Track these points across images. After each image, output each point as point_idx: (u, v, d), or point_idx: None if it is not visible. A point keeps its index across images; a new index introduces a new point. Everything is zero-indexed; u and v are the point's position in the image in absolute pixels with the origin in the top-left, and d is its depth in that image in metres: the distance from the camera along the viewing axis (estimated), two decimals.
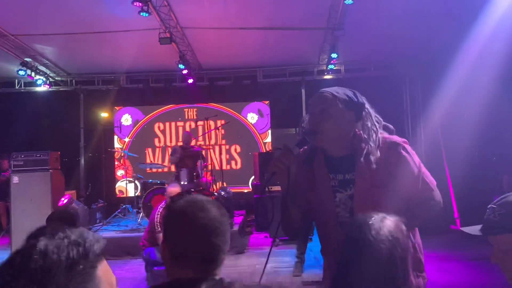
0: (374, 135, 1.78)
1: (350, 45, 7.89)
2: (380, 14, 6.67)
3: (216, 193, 6.92)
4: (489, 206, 1.31)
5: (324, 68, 9.27)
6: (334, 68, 9.15)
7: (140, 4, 5.72)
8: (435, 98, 7.34)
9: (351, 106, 1.78)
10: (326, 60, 8.76)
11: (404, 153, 1.78)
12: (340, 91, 1.81)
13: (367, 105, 1.83)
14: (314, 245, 5.64)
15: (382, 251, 1.11)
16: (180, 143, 8.97)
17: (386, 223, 1.18)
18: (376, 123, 1.83)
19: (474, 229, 1.36)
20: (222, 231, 1.16)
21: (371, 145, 1.75)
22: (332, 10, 6.60)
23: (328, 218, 1.82)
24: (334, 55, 7.99)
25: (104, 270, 0.83)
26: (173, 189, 4.53)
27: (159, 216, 4.38)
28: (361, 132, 1.79)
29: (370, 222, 1.17)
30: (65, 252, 0.77)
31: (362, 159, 1.74)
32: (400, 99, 9.61)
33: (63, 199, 6.51)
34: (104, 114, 9.76)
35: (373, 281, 1.10)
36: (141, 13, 5.88)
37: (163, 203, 4.71)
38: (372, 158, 1.74)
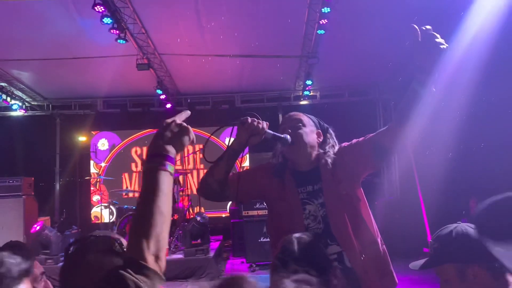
0: (332, 151, 1.99)
1: (325, 71, 8.12)
2: (352, 42, 6.92)
3: (191, 219, 6.90)
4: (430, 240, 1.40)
5: (300, 94, 9.47)
6: (310, 94, 9.37)
7: (118, 31, 5.80)
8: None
9: (318, 126, 2.06)
10: (302, 86, 8.97)
11: (342, 146, 2.03)
12: (307, 114, 2.09)
13: (330, 129, 2.09)
14: None
15: None
16: None
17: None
18: (336, 143, 2.05)
19: (416, 264, 1.45)
20: None
21: (331, 158, 1.95)
22: (306, 39, 6.83)
23: (297, 230, 1.89)
24: (309, 82, 8.22)
25: None
26: None
27: None
28: (324, 150, 1.99)
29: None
30: None
31: (327, 167, 1.92)
32: (374, 123, 9.85)
33: (35, 225, 6.37)
34: (82, 138, 9.68)
35: None
36: (119, 40, 5.96)
37: None
38: (332, 165, 1.93)
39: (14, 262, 0.88)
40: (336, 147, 2.03)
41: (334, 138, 2.06)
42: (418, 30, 1.65)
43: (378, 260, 1.89)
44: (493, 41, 5.24)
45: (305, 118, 2.03)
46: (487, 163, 5.73)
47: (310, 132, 1.99)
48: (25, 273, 0.88)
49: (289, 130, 1.97)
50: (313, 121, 2.05)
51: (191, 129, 1.20)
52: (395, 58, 7.48)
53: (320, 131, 2.04)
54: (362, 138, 1.99)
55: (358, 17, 6.15)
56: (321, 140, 2.02)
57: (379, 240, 1.94)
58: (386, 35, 6.54)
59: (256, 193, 2.10)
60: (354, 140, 2.02)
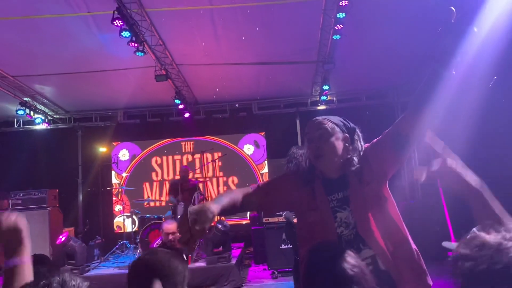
0: (358, 156, 1.93)
1: (342, 76, 8.11)
2: (368, 46, 6.90)
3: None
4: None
5: (317, 99, 9.46)
6: (327, 99, 9.36)
7: (136, 44, 5.91)
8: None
9: (345, 130, 1.94)
10: (319, 91, 8.96)
11: (365, 147, 1.96)
12: (332, 117, 1.98)
13: (357, 130, 2.00)
14: None
15: None
16: (178, 177, 9.04)
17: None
18: (362, 146, 1.98)
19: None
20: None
21: (357, 163, 1.90)
22: (321, 44, 6.84)
23: (330, 238, 1.87)
24: (325, 87, 8.21)
25: None
26: (169, 226, 4.57)
27: None
28: (352, 154, 1.92)
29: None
30: None
31: (354, 172, 1.88)
32: None
33: (61, 236, 6.51)
34: (103, 149, 9.87)
35: None
36: (137, 53, 6.07)
37: (158, 240, 4.73)
38: (358, 170, 1.88)
39: (76, 284, 0.97)
40: (362, 149, 1.97)
41: (361, 138, 1.98)
42: (454, 11, 1.61)
43: (411, 260, 1.84)
44: (506, 40, 5.16)
45: (329, 126, 1.92)
46: (505, 163, 5.62)
47: (336, 140, 1.91)
48: None
49: (317, 143, 1.90)
50: (339, 126, 1.94)
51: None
52: (413, 60, 7.43)
53: (347, 134, 1.94)
54: (382, 135, 1.93)
55: (373, 21, 6.14)
56: (348, 144, 1.94)
57: (410, 239, 1.88)
58: (402, 37, 6.51)
59: (285, 205, 2.07)
60: (375, 140, 1.95)
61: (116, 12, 5.28)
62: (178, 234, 1.69)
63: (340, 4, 5.42)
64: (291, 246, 5.01)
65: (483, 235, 0.99)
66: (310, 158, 1.96)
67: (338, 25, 5.86)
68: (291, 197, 2.00)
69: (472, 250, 0.96)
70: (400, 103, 9.59)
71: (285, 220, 4.73)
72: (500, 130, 5.59)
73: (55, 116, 9.83)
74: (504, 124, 5.52)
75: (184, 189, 7.58)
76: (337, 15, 5.64)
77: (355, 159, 1.90)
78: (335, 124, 1.94)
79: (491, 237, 0.96)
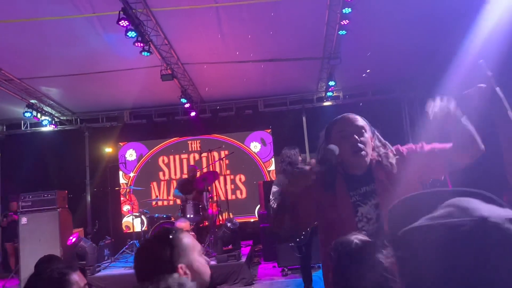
0: (382, 150, 1.98)
1: (347, 72, 8.08)
2: (374, 41, 6.87)
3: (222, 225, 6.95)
4: None
5: (323, 95, 9.44)
6: (333, 95, 9.34)
7: (142, 44, 5.92)
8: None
9: (371, 127, 2.01)
10: (325, 87, 8.93)
11: (400, 149, 2.01)
12: (357, 115, 2.02)
13: (376, 131, 2.05)
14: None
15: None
16: (185, 176, 9.06)
17: None
18: (385, 142, 2.04)
19: None
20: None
21: (382, 157, 1.95)
22: (327, 40, 6.81)
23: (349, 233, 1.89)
24: (331, 83, 8.18)
25: None
26: (182, 224, 4.58)
27: None
28: (383, 149, 1.99)
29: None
30: None
31: (380, 166, 1.93)
32: (400, 121, 9.72)
33: (71, 237, 6.55)
34: (109, 150, 9.90)
35: None
36: (143, 53, 6.07)
37: None
38: (385, 165, 1.93)
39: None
40: (388, 146, 2.00)
41: (379, 135, 2.03)
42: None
43: None
44: (507, 41, 5.13)
45: (363, 122, 1.96)
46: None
47: (369, 136, 1.95)
48: None
49: (357, 137, 1.91)
50: (368, 123, 2.00)
51: None
52: (418, 54, 7.39)
53: (374, 131, 2.00)
54: (425, 146, 1.97)
55: (379, 16, 6.10)
56: (377, 141, 2.00)
57: None
58: (407, 32, 6.47)
59: (316, 211, 2.06)
60: (412, 146, 2.00)
61: (121, 12, 5.28)
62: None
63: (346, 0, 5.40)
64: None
65: None
66: (346, 154, 1.92)
67: (344, 21, 5.84)
68: (319, 202, 2.00)
69: None
70: (406, 98, 9.56)
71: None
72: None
73: (62, 118, 9.86)
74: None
75: (193, 187, 7.60)
76: (343, 10, 5.62)
77: (381, 152, 1.95)
78: (365, 122, 1.99)
79: None
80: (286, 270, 6.54)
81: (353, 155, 1.91)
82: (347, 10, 5.59)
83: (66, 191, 7.45)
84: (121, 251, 7.63)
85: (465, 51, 6.16)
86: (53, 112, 9.45)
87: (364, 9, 5.74)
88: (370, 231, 1.86)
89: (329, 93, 9.08)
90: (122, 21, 5.37)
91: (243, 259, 6.32)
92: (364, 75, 8.11)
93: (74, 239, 6.39)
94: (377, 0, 5.68)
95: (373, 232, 1.86)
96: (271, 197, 5.02)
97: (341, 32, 6.12)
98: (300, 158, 4.90)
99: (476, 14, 5.49)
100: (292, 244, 5.31)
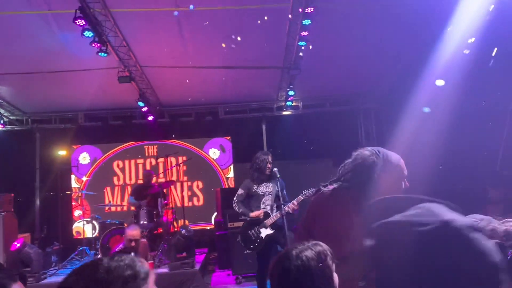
0: None
1: (307, 82, 8.21)
2: (333, 53, 7.04)
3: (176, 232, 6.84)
4: None
5: (283, 104, 9.54)
6: (293, 104, 9.46)
7: (99, 44, 5.76)
8: (389, 130, 7.62)
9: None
10: (285, 97, 9.04)
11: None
12: None
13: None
14: None
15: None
16: (141, 181, 8.86)
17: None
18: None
19: None
20: None
21: None
22: (287, 50, 6.90)
23: None
24: (291, 93, 8.30)
25: None
26: (133, 232, 4.46)
27: None
28: None
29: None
30: (122, 271, 1.02)
31: None
32: (355, 133, 9.97)
33: (16, 243, 6.22)
34: (62, 152, 9.53)
35: None
36: (100, 54, 5.91)
37: (120, 245, 4.61)
38: None
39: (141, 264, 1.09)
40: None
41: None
42: None
43: None
44: (477, 47, 5.35)
45: None
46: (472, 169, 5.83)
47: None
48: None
49: None
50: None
51: None
52: (375, 67, 7.63)
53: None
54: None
55: (338, 29, 6.27)
56: None
57: None
58: (365, 46, 6.68)
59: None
60: None
61: (78, 11, 5.13)
62: None
63: (306, 11, 5.50)
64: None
65: None
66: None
67: (303, 32, 5.94)
68: None
69: None
70: (363, 110, 9.83)
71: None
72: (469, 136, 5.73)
73: (11, 117, 9.41)
74: (473, 129, 5.68)
75: (148, 193, 7.45)
76: (303, 21, 5.72)
77: None
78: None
79: None
80: (240, 278, 6.52)
81: None
82: (306, 22, 5.69)
83: (13, 194, 7.11)
84: (69, 258, 7.34)
85: (426, 66, 6.37)
86: (2, 111, 9.01)
87: (323, 22, 5.87)
88: None
89: (289, 103, 9.20)
90: (79, 20, 5.21)
91: (197, 267, 6.23)
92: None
93: (18, 245, 6.08)
94: (336, 13, 5.83)
95: None
96: (234, 199, 5.04)
97: (300, 43, 6.22)
98: (268, 165, 4.92)
99: (437, 32, 5.69)
100: (248, 251, 5.29)
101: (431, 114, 6.12)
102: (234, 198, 5.07)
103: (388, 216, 1.06)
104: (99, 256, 6.76)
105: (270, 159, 4.96)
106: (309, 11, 5.49)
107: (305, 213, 2.23)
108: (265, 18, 5.88)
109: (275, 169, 4.79)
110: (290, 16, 5.91)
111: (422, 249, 0.94)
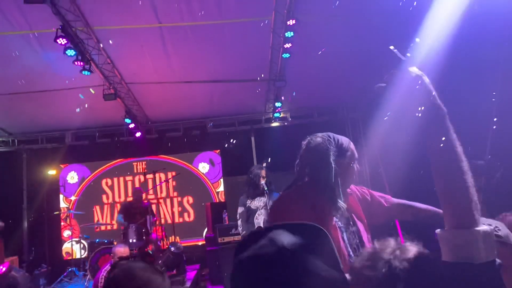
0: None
1: (293, 93, 8.23)
2: (317, 64, 7.05)
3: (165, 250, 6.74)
4: None
5: (271, 116, 9.55)
6: (280, 116, 9.47)
7: (82, 63, 5.74)
8: (373, 134, 7.66)
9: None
10: (272, 108, 9.05)
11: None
12: None
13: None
14: None
15: None
16: (130, 199, 8.77)
17: None
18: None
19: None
20: None
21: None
22: (272, 63, 6.93)
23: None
24: (278, 104, 8.31)
25: None
26: (121, 249, 4.39)
27: (102, 280, 4.21)
28: None
29: None
30: None
31: None
32: None
33: (1, 267, 6.08)
34: (51, 172, 9.40)
35: None
36: (83, 72, 5.89)
37: (107, 266, 4.53)
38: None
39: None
40: None
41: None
42: None
43: None
44: (450, 48, 5.41)
45: None
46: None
47: None
48: None
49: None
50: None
51: None
52: (359, 78, 7.66)
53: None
54: (393, 201, 2.09)
55: (321, 40, 6.29)
56: None
57: None
58: (349, 56, 6.71)
59: None
60: (381, 200, 2.13)
61: (59, 30, 5.11)
62: None
63: (288, 24, 5.53)
64: None
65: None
66: (347, 182, 2.01)
67: (287, 44, 5.97)
68: None
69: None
70: (350, 119, 9.86)
71: None
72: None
73: None
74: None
75: (137, 212, 7.36)
76: (286, 34, 5.75)
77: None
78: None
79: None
80: None
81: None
82: (289, 34, 5.73)
83: None
84: (58, 280, 7.21)
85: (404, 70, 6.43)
86: None
87: (306, 33, 5.90)
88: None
89: (277, 114, 9.21)
90: (60, 39, 5.20)
91: (188, 284, 6.14)
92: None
93: (4, 269, 5.93)
94: (318, 25, 5.87)
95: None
96: (238, 218, 5.06)
97: (284, 55, 6.25)
98: (261, 179, 4.91)
99: (417, 30, 5.75)
100: None
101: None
102: (237, 216, 5.12)
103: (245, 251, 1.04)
104: (88, 277, 6.63)
105: (263, 174, 4.94)
106: (291, 24, 5.52)
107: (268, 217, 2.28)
108: (248, 31, 5.91)
109: (262, 182, 4.77)
110: (272, 28, 5.94)
111: (264, 279, 0.96)
